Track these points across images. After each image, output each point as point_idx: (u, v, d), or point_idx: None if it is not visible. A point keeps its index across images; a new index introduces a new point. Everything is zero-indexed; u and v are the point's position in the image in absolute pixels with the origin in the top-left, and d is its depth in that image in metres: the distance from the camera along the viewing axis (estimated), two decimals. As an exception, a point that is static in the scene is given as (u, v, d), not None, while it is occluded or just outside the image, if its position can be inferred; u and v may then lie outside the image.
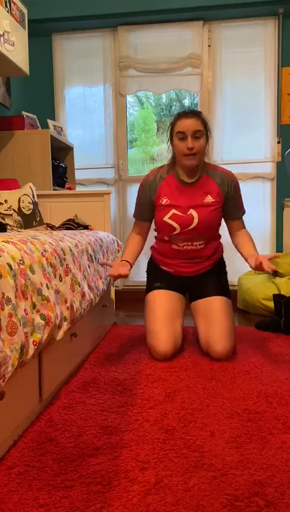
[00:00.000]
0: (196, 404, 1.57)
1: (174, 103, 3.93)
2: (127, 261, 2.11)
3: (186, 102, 3.91)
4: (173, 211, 2.08)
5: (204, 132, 1.99)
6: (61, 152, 3.52)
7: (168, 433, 1.36)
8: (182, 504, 1.02)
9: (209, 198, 2.08)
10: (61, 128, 3.51)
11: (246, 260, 2.03)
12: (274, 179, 3.63)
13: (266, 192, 3.66)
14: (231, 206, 2.14)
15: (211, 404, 1.56)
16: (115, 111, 3.75)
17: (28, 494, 1.07)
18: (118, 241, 2.70)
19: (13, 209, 2.51)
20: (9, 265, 1.18)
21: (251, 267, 1.93)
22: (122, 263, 2.07)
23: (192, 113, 1.98)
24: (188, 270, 2.19)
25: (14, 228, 2.46)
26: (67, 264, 1.65)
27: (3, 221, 2.44)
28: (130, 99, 3.85)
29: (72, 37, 3.71)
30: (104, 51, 3.69)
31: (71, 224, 2.70)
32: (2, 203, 2.50)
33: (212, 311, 2.10)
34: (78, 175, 3.75)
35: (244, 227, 2.21)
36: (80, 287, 1.73)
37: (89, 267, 1.96)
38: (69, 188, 3.44)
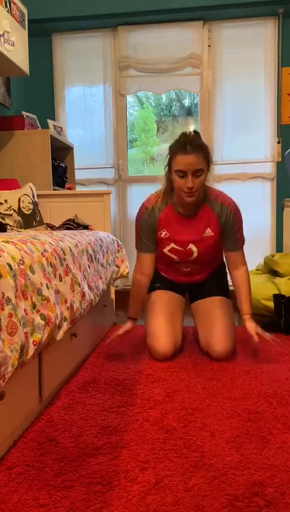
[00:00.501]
0: (196, 404, 1.57)
1: (174, 103, 3.93)
2: (132, 319, 2.14)
3: (186, 102, 3.91)
4: (172, 245, 2.05)
5: (206, 167, 1.89)
6: (61, 152, 3.52)
7: (168, 433, 1.36)
8: (182, 504, 1.02)
9: (208, 232, 2.02)
10: (61, 128, 3.51)
11: (241, 315, 2.07)
12: (274, 179, 3.63)
13: (266, 192, 3.66)
14: (226, 237, 2.05)
15: (211, 404, 1.56)
16: (115, 111, 3.75)
17: (28, 494, 1.07)
18: (118, 241, 2.69)
19: (13, 209, 2.51)
20: (9, 265, 1.18)
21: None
22: (127, 327, 2.11)
23: (192, 147, 1.84)
24: (187, 279, 2.19)
25: (14, 228, 2.46)
26: (67, 264, 1.65)
27: (3, 221, 2.44)
28: (130, 99, 3.84)
29: (72, 37, 3.71)
30: (104, 51, 3.69)
31: (71, 224, 2.70)
32: (2, 203, 2.50)
33: (212, 312, 2.10)
34: (78, 175, 3.75)
35: (244, 265, 2.08)
36: (80, 287, 1.73)
37: (89, 267, 1.96)
38: (69, 188, 3.44)
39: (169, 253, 2.06)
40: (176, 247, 2.04)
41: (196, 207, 2.00)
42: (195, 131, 1.94)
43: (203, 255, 2.05)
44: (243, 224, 2.11)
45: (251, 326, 1.99)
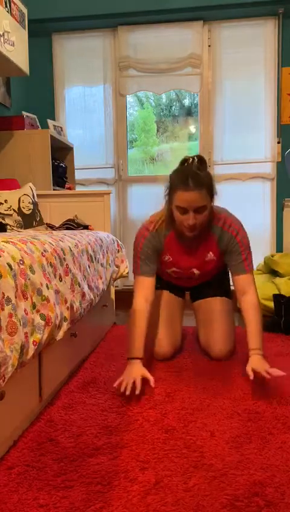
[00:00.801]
0: (196, 404, 1.57)
1: (174, 103, 3.93)
2: (138, 359, 1.70)
3: (186, 102, 3.91)
4: (174, 268, 2.00)
5: (209, 202, 1.73)
6: (61, 152, 3.52)
7: (168, 433, 1.36)
8: (182, 504, 1.02)
9: (210, 255, 1.94)
10: (61, 128, 3.51)
11: (249, 350, 1.73)
12: (274, 179, 3.63)
13: (266, 192, 3.66)
14: (228, 259, 1.90)
15: (211, 404, 1.56)
16: (115, 111, 3.75)
17: (28, 494, 1.06)
18: (118, 241, 2.70)
19: (13, 209, 2.51)
20: (9, 265, 1.18)
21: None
22: (137, 372, 1.64)
23: (195, 182, 1.66)
24: (188, 286, 2.19)
25: (14, 228, 2.46)
26: (67, 264, 1.65)
27: (3, 221, 2.44)
28: (130, 99, 3.84)
29: (72, 37, 3.71)
30: (104, 51, 3.69)
31: (71, 224, 2.70)
32: (2, 203, 2.50)
33: (213, 312, 2.10)
34: (78, 175, 3.75)
35: (252, 292, 1.82)
36: (80, 287, 1.73)
37: (89, 267, 1.96)
38: (69, 188, 3.44)
39: (171, 273, 2.04)
40: (178, 270, 2.01)
41: (198, 237, 1.86)
42: (199, 158, 1.74)
43: (206, 274, 2.04)
44: (245, 228, 1.93)
45: (249, 363, 1.65)
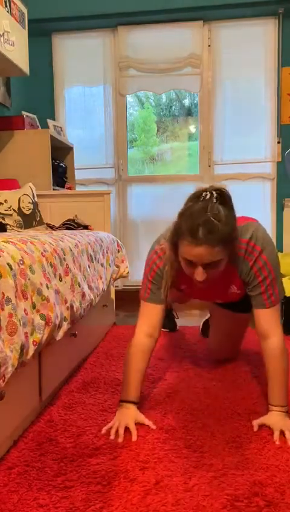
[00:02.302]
0: (196, 404, 1.57)
1: (174, 103, 3.93)
2: (132, 403, 1.46)
3: (186, 102, 3.91)
4: (192, 297, 1.75)
5: (226, 254, 1.33)
6: (61, 152, 3.52)
7: (168, 433, 1.36)
8: (182, 504, 1.02)
9: (233, 289, 1.60)
10: (61, 128, 3.51)
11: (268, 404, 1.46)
12: (274, 179, 3.63)
13: (266, 192, 3.66)
14: (247, 289, 1.52)
15: (211, 404, 1.56)
16: (115, 111, 3.75)
17: (28, 494, 1.06)
18: (118, 241, 2.70)
19: (13, 209, 2.51)
20: (9, 265, 1.18)
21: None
22: (131, 416, 1.42)
23: (206, 237, 1.24)
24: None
25: (14, 228, 2.46)
26: (67, 264, 1.65)
27: (3, 221, 2.44)
28: (130, 99, 3.85)
29: (72, 37, 3.71)
30: (104, 51, 3.69)
31: (71, 224, 2.70)
32: (2, 203, 2.50)
33: (226, 327, 1.99)
34: (78, 175, 3.74)
35: (275, 334, 1.43)
36: (80, 287, 1.73)
37: (89, 267, 1.96)
38: (69, 188, 3.44)
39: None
40: (196, 299, 1.77)
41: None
42: (219, 193, 1.29)
43: (229, 302, 1.76)
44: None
45: (269, 420, 1.39)
